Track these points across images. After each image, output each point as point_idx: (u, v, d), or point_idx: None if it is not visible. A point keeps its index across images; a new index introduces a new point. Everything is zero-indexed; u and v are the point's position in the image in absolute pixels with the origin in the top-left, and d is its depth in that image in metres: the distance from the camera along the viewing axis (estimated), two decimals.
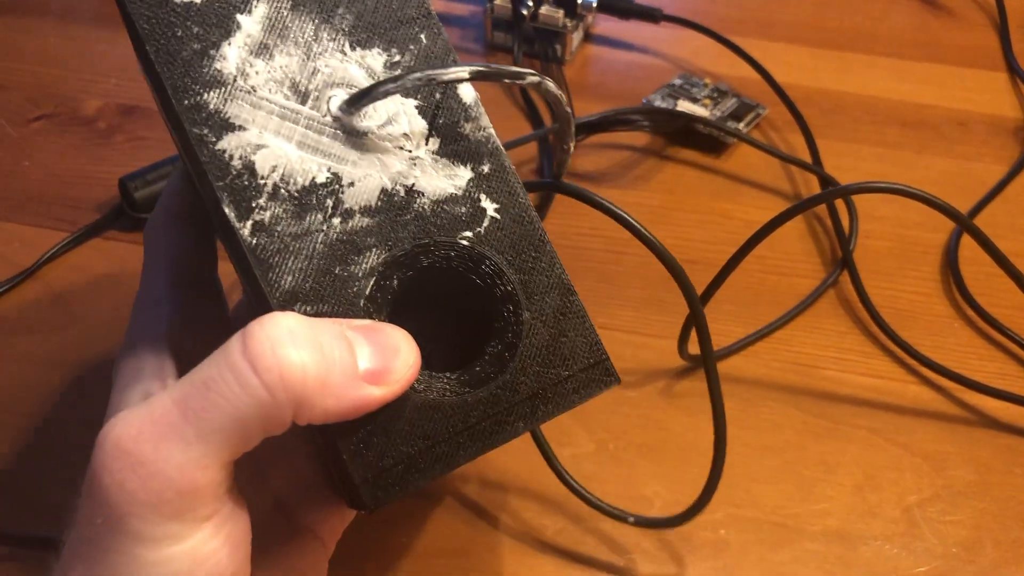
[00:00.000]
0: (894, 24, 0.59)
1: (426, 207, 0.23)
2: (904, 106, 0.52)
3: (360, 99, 0.22)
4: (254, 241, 0.21)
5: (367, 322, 0.21)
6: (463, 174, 0.23)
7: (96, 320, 0.39)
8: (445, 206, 0.23)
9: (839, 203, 0.45)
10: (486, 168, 0.23)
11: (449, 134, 0.23)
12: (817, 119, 0.50)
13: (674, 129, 0.48)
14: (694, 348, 0.36)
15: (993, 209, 0.46)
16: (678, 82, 0.50)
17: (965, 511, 0.34)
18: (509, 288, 0.23)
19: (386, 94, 0.22)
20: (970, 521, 0.33)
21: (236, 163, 0.21)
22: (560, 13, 0.52)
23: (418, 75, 0.21)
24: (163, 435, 0.19)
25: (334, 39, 0.23)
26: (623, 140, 0.49)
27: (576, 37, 0.54)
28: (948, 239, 0.44)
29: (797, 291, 0.41)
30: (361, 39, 0.23)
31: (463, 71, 0.22)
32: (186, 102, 0.21)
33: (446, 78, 0.22)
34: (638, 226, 0.28)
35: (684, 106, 0.49)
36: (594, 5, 0.53)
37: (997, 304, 0.40)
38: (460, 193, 0.23)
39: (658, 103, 0.49)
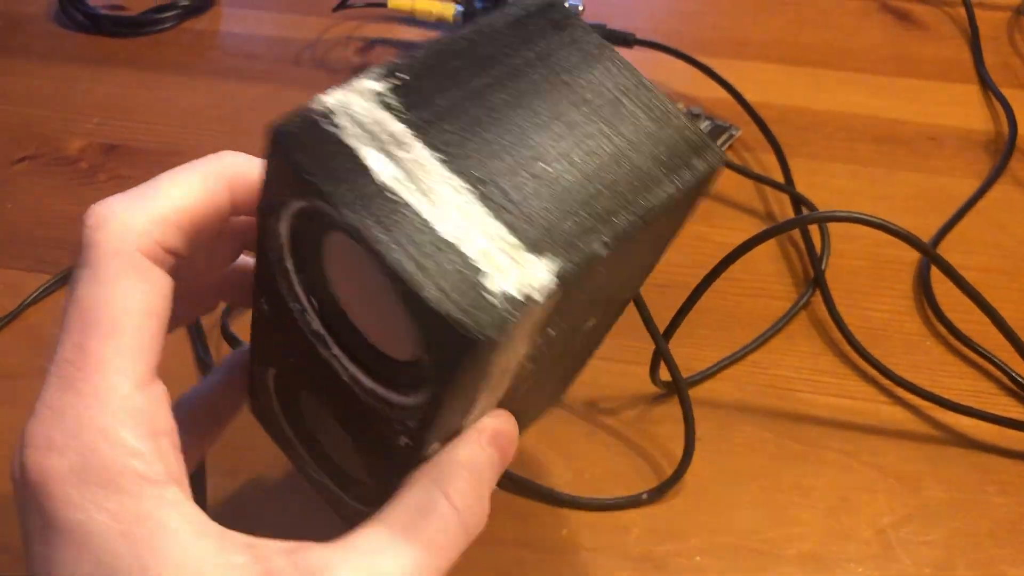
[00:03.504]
0: (867, 39, 0.59)
1: None
2: (877, 122, 0.52)
3: None
4: None
5: (489, 422, 0.24)
6: None
7: None
8: None
9: (811, 225, 0.45)
10: None
11: None
12: (791, 137, 0.51)
13: None
14: (666, 374, 0.37)
15: (966, 224, 0.46)
16: None
17: (938, 531, 0.34)
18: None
19: None
20: (943, 541, 0.34)
21: None
22: None
23: None
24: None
25: None
26: None
27: None
28: (920, 257, 0.44)
29: (771, 313, 0.42)
30: None
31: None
32: None
33: None
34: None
35: None
36: None
37: (968, 321, 0.41)
38: None
39: None
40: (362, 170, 0.18)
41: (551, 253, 0.18)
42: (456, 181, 0.18)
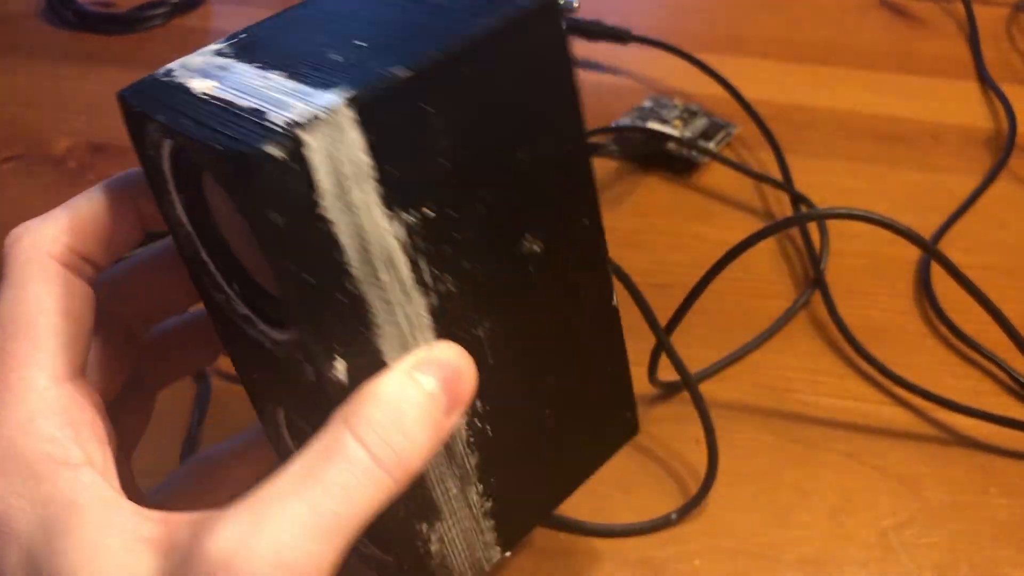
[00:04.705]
0: (866, 36, 0.59)
1: None
2: (876, 119, 0.52)
3: None
4: None
5: (423, 352, 0.21)
6: None
7: None
8: None
9: (810, 223, 0.45)
10: None
11: None
12: (789, 135, 0.50)
13: (645, 153, 0.48)
14: (663, 375, 0.37)
15: (966, 222, 0.46)
16: (648, 104, 0.50)
17: (940, 533, 0.34)
18: None
19: None
20: (945, 543, 0.33)
21: None
22: None
23: None
24: (303, 545, 0.18)
25: None
26: (595, 163, 0.48)
27: None
28: (920, 255, 0.44)
29: (770, 313, 0.41)
30: None
31: None
32: None
33: None
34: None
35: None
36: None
37: (970, 320, 0.40)
38: None
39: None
40: (184, 90, 0.20)
41: (343, 85, 0.19)
42: (264, 71, 0.20)
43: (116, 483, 0.20)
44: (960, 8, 0.60)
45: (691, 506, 0.34)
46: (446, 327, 0.22)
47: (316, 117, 0.18)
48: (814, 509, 0.34)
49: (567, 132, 0.23)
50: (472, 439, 0.24)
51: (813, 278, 0.42)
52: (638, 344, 0.39)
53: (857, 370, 0.39)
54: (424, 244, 0.21)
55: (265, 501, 0.19)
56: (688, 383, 0.34)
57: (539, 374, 0.25)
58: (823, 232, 0.44)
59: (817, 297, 0.42)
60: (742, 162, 0.49)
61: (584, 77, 0.55)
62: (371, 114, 0.19)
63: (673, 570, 0.33)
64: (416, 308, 0.21)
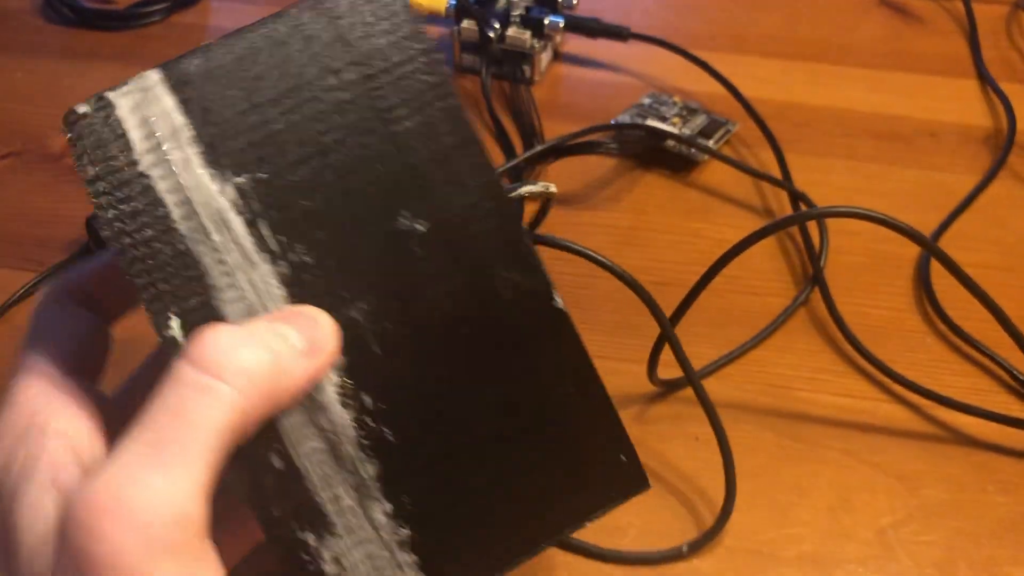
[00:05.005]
0: (865, 34, 0.59)
1: None
2: (875, 118, 0.52)
3: None
4: None
5: (282, 310, 0.21)
6: None
7: None
8: None
9: (809, 221, 0.45)
10: None
11: None
12: (788, 133, 0.50)
13: (643, 151, 0.48)
14: (663, 372, 0.36)
15: (965, 220, 0.46)
16: (647, 101, 0.50)
17: (938, 531, 0.34)
18: None
19: None
20: (943, 541, 0.33)
21: None
22: (527, 34, 0.52)
23: None
24: (144, 478, 0.18)
25: None
26: (593, 160, 0.48)
27: (545, 57, 0.54)
28: (920, 253, 0.44)
29: (769, 310, 0.41)
30: None
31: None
32: None
33: None
34: (604, 260, 0.29)
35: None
36: (561, 25, 0.53)
37: (969, 318, 0.40)
38: None
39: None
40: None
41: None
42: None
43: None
44: (959, 6, 0.60)
45: (706, 539, 0.33)
46: (305, 300, 0.21)
47: (126, 82, 0.21)
48: (813, 506, 0.34)
49: (437, 89, 0.22)
50: (365, 440, 0.22)
51: (812, 276, 0.42)
52: (637, 342, 0.40)
53: (856, 368, 0.39)
54: (261, 208, 0.21)
55: (119, 448, 0.19)
56: (692, 380, 0.33)
57: (463, 382, 0.22)
58: (822, 230, 0.44)
59: (816, 295, 0.42)
60: (741, 160, 0.49)
61: (583, 74, 0.55)
62: (182, 77, 0.21)
63: (672, 570, 0.33)
64: (262, 275, 0.21)
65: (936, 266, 0.43)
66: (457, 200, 0.22)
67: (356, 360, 0.22)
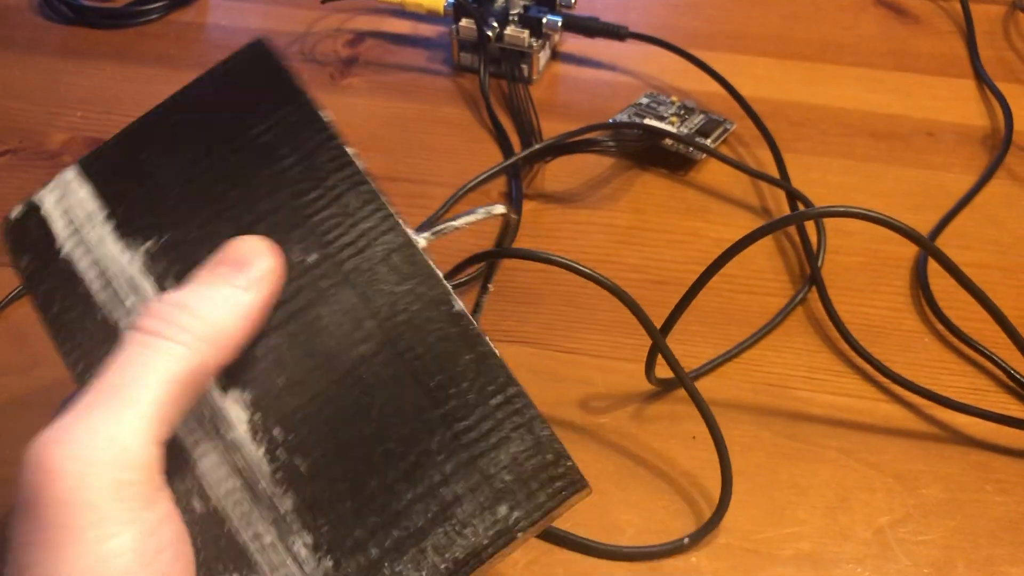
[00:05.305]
0: (862, 33, 0.59)
1: None
2: (873, 117, 0.52)
3: None
4: None
5: (215, 255, 0.23)
6: None
7: (61, 361, 0.38)
8: None
9: (807, 221, 0.45)
10: None
11: None
12: (786, 132, 0.50)
13: (641, 150, 0.48)
14: (661, 372, 0.36)
15: (962, 220, 0.46)
16: (645, 101, 0.50)
17: (936, 530, 0.34)
18: None
19: None
20: (941, 540, 0.33)
21: None
22: (525, 33, 0.52)
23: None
24: (90, 418, 0.20)
25: None
26: (591, 158, 0.48)
27: (543, 56, 0.54)
28: (917, 253, 0.44)
29: (767, 310, 0.41)
30: None
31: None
32: None
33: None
34: (589, 272, 0.29)
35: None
36: (559, 24, 0.53)
37: (967, 318, 0.40)
38: None
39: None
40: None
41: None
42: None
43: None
44: (957, 6, 0.60)
45: (701, 534, 0.33)
46: None
47: (48, 183, 0.25)
48: (810, 506, 0.34)
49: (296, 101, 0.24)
50: (278, 474, 0.22)
51: (810, 275, 0.42)
52: (635, 340, 0.40)
53: (854, 367, 0.39)
54: (165, 265, 0.24)
55: (73, 400, 0.20)
56: (687, 385, 0.33)
57: (369, 403, 0.22)
58: (820, 229, 0.44)
59: (814, 294, 0.42)
60: (739, 159, 0.49)
61: (581, 73, 0.55)
62: (91, 168, 0.25)
63: (670, 566, 0.33)
64: None
65: (934, 266, 0.43)
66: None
67: (263, 393, 0.22)
